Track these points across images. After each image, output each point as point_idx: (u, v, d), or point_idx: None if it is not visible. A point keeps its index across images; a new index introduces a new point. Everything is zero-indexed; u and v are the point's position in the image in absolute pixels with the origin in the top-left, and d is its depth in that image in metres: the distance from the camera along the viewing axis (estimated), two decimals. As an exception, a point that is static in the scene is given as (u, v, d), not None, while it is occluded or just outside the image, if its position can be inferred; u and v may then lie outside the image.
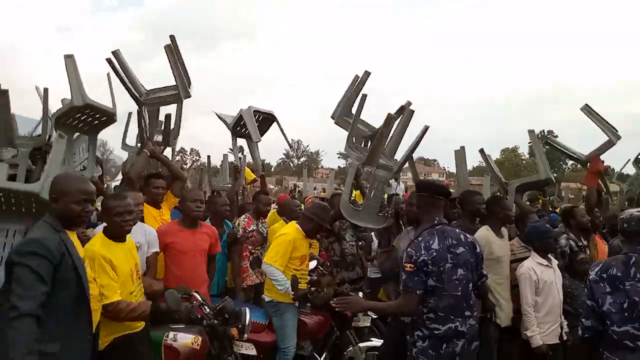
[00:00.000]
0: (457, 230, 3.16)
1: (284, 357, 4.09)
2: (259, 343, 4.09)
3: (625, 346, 2.57)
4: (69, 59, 3.86)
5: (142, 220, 3.96)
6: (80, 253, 2.52)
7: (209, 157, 8.10)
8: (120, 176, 6.00)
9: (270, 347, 4.15)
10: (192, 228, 4.08)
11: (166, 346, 3.27)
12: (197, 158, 59.10)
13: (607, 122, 5.51)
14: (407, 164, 5.76)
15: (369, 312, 4.48)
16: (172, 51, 4.52)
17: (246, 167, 7.39)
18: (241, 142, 6.48)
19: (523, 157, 60.28)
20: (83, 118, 4.13)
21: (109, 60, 4.48)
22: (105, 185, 6.21)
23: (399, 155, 5.02)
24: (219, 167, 7.47)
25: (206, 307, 3.50)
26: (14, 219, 3.27)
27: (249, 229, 5.05)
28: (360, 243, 5.81)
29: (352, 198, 5.17)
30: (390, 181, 10.83)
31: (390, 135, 4.50)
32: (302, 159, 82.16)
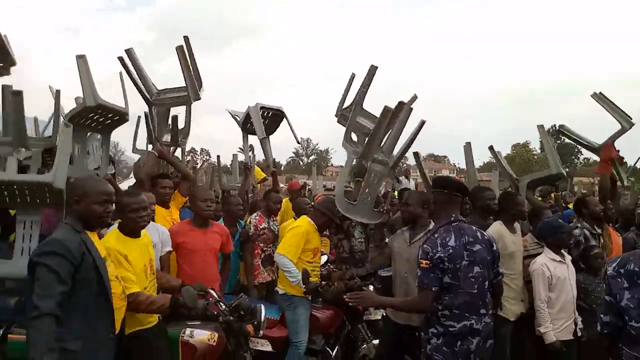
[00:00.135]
0: (474, 227, 3.15)
1: (296, 351, 4.13)
2: (273, 339, 4.13)
3: None
4: (81, 59, 3.90)
5: (153, 220, 4.02)
6: (102, 253, 2.57)
7: (218, 156, 8.16)
8: (132, 176, 6.08)
9: (283, 342, 4.18)
10: (203, 227, 4.12)
11: (183, 342, 3.32)
12: (208, 158, 59.36)
13: (619, 108, 5.45)
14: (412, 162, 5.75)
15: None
16: (184, 52, 4.54)
17: (256, 166, 7.44)
18: (252, 140, 6.51)
19: (534, 153, 59.70)
20: (96, 117, 4.20)
21: (120, 59, 4.51)
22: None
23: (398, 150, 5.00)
24: (229, 166, 7.51)
25: (222, 304, 3.55)
26: (29, 210, 3.33)
27: (260, 227, 5.10)
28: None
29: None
30: (401, 177, 10.87)
31: (389, 132, 4.49)
32: (312, 157, 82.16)
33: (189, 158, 19.11)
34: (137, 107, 5.17)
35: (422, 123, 4.47)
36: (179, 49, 4.53)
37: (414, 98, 4.67)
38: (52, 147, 4.44)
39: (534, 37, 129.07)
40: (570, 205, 6.95)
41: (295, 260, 4.17)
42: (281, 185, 9.05)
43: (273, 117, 6.01)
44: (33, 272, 2.32)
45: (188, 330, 3.35)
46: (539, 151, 55.59)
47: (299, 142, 6.50)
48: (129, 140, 6.60)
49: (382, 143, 4.50)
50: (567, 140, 7.15)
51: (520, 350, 4.15)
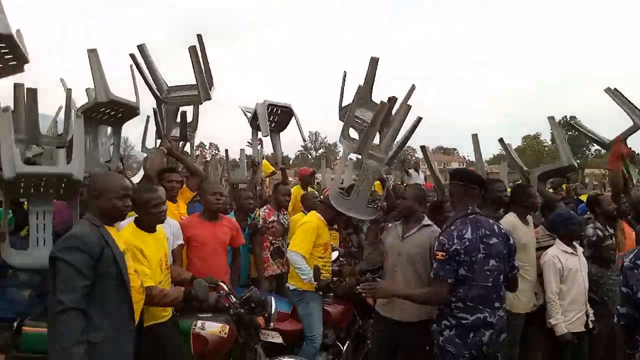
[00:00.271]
0: (491, 220, 3.13)
1: (312, 345, 4.14)
2: (283, 332, 4.15)
3: None
4: (92, 54, 3.92)
5: None
6: (120, 247, 2.61)
7: (226, 150, 8.18)
8: (141, 172, 6.12)
9: (295, 336, 4.20)
10: (213, 221, 4.14)
11: (194, 334, 3.36)
12: (216, 152, 59.56)
13: (632, 104, 5.38)
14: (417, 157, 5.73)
15: None
16: (196, 52, 4.51)
17: (264, 160, 7.44)
18: (261, 135, 6.50)
19: (545, 144, 59.24)
20: (107, 112, 4.23)
21: (132, 56, 4.52)
22: None
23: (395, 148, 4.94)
24: (237, 160, 7.53)
25: (233, 297, 3.57)
26: (42, 201, 3.37)
27: (269, 220, 5.11)
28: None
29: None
30: (410, 171, 10.85)
31: (388, 130, 4.45)
32: (320, 151, 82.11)
33: (197, 152, 19.18)
34: (147, 102, 5.19)
35: (419, 120, 4.45)
36: (192, 49, 4.50)
37: (412, 89, 4.63)
38: (64, 146, 4.49)
39: (535, 36, 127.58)
40: (583, 197, 6.90)
41: (307, 256, 4.18)
42: (290, 179, 9.06)
43: (283, 114, 6.00)
44: (54, 267, 2.38)
45: (199, 323, 3.39)
46: (549, 143, 55.18)
47: (305, 140, 6.49)
48: (138, 136, 6.63)
49: (381, 140, 4.46)
50: (577, 132, 7.07)
51: (531, 342, 4.13)
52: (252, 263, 5.14)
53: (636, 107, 5.36)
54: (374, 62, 4.67)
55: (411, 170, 10.95)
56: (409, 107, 4.32)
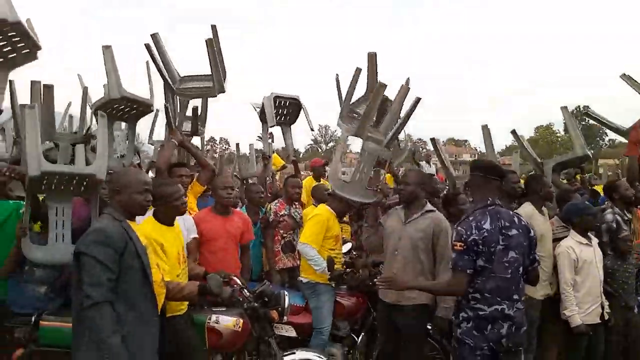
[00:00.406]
0: (511, 212, 3.11)
1: (320, 337, 4.16)
2: (297, 325, 4.17)
3: None
4: (107, 50, 3.93)
5: None
6: (143, 241, 2.64)
7: (237, 144, 8.18)
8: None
9: (308, 329, 4.21)
10: (224, 215, 4.15)
11: (209, 328, 3.39)
12: (227, 147, 59.70)
13: None
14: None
15: None
16: (212, 44, 4.50)
17: (274, 154, 7.43)
18: (272, 129, 6.50)
19: (558, 135, 58.52)
20: (121, 108, 4.25)
21: (147, 46, 4.51)
22: None
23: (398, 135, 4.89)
24: (248, 154, 7.52)
25: (246, 291, 3.59)
26: (63, 197, 3.40)
27: (280, 213, 5.12)
28: None
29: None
30: (421, 163, 10.78)
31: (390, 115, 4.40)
32: (330, 144, 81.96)
33: (208, 147, 19.23)
34: (158, 94, 5.17)
35: (417, 100, 4.36)
36: (209, 41, 4.48)
37: (407, 81, 4.58)
38: (78, 142, 4.52)
39: (535, 37, 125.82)
40: (598, 188, 6.81)
41: (318, 248, 4.19)
42: (302, 173, 9.03)
43: (292, 107, 5.98)
44: (78, 262, 2.41)
45: (214, 317, 3.42)
46: (562, 133, 54.52)
47: (313, 130, 6.43)
48: (147, 130, 6.65)
49: (381, 124, 4.40)
50: (591, 122, 6.97)
51: (546, 334, 4.11)
52: (264, 256, 5.17)
53: None
54: (371, 58, 4.62)
55: (422, 163, 10.90)
56: (408, 89, 4.26)
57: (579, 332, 3.87)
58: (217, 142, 65.65)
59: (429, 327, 3.84)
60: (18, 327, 3.31)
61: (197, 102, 5.06)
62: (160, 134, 5.58)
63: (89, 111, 4.65)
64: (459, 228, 2.99)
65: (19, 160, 3.95)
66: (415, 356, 3.65)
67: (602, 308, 3.97)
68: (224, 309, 3.49)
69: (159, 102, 4.66)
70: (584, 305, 3.92)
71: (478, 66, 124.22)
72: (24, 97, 4.11)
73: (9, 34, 3.37)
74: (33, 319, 3.30)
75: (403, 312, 3.63)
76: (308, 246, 4.19)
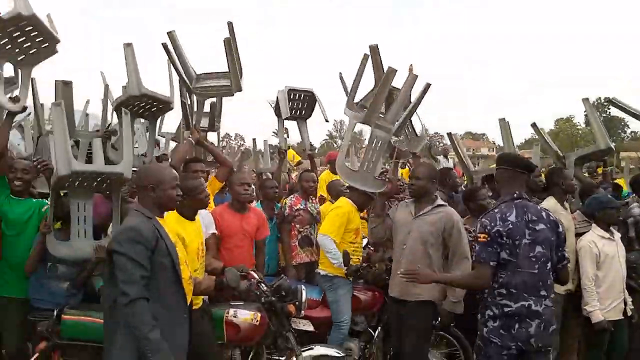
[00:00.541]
0: (540, 207, 3.07)
1: (339, 331, 4.16)
2: (314, 319, 4.18)
3: None
4: (128, 47, 3.97)
5: None
6: (172, 238, 2.67)
7: (254, 140, 8.19)
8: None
9: (325, 323, 4.22)
10: (241, 212, 4.17)
11: (227, 322, 3.43)
12: (242, 143, 59.90)
13: None
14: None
15: None
16: (230, 43, 4.50)
17: (290, 150, 7.43)
18: (287, 124, 6.50)
19: (579, 127, 57.48)
20: (142, 105, 4.31)
21: (164, 45, 4.55)
22: None
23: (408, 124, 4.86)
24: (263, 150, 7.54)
25: (263, 285, 3.61)
26: (85, 193, 3.46)
27: (296, 208, 5.13)
28: None
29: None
30: (439, 157, 10.67)
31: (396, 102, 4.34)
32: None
33: (224, 143, 19.30)
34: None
35: (427, 86, 4.29)
36: (226, 40, 4.48)
37: (411, 67, 4.56)
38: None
39: (535, 37, 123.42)
40: (621, 182, 6.67)
41: (338, 241, 4.19)
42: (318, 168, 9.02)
43: (306, 100, 5.97)
44: (111, 260, 2.45)
45: (232, 311, 3.45)
46: (583, 125, 53.54)
47: (327, 121, 6.38)
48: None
49: (387, 113, 4.34)
50: (612, 114, 6.84)
51: (568, 330, 4.06)
52: (281, 251, 5.18)
53: None
54: (374, 50, 4.57)
55: (440, 157, 10.79)
56: (416, 76, 4.19)
57: (601, 328, 3.80)
58: (232, 138, 65.91)
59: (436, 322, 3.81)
60: (41, 321, 3.37)
61: (213, 98, 5.08)
62: (169, 125, 5.59)
63: (109, 108, 4.70)
64: (483, 220, 2.95)
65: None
66: (414, 347, 3.61)
67: (625, 304, 3.90)
68: (241, 303, 3.52)
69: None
70: (606, 301, 3.85)
71: (478, 66, 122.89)
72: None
73: (26, 29, 3.41)
74: (55, 313, 3.36)
75: (407, 307, 3.63)
76: (328, 238, 4.19)
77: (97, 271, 3.57)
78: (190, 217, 3.22)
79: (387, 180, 4.14)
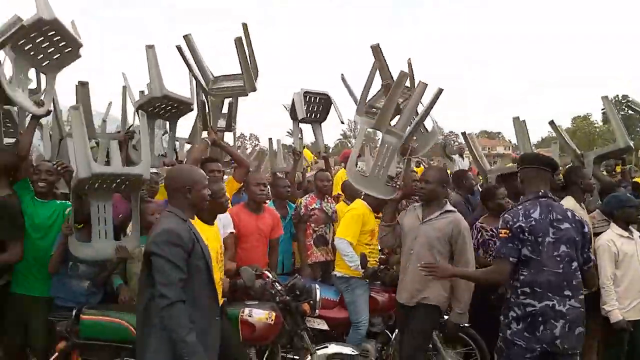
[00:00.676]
0: (565, 207, 3.04)
1: (357, 331, 4.17)
2: (330, 319, 4.19)
3: None
4: (150, 49, 4.02)
5: None
6: (206, 241, 2.70)
7: (270, 139, 8.21)
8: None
9: (341, 323, 4.24)
10: (257, 212, 4.21)
11: (242, 321, 3.46)
12: (257, 143, 60.08)
13: None
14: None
15: None
16: (242, 43, 4.54)
17: (305, 150, 7.44)
18: (302, 125, 6.51)
19: (596, 125, 56.57)
20: (163, 106, 4.37)
21: (178, 48, 4.59)
22: None
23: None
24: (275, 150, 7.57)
25: (278, 284, 3.63)
26: (104, 194, 3.51)
27: (311, 207, 5.14)
28: None
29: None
30: (454, 157, 10.59)
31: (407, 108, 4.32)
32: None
33: (239, 143, 19.38)
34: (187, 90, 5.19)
35: (440, 91, 4.26)
36: (237, 40, 4.51)
37: (409, 61, 4.53)
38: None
39: (535, 37, 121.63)
40: (638, 180, 6.55)
41: (354, 243, 4.19)
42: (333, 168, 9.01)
43: (321, 103, 5.98)
44: (149, 262, 2.47)
45: (247, 310, 3.48)
46: (601, 123, 52.70)
47: (342, 122, 6.39)
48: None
49: (397, 121, 4.33)
50: (630, 111, 6.73)
51: (586, 330, 3.99)
52: (296, 251, 5.20)
53: None
54: (376, 50, 4.56)
55: (455, 156, 10.71)
56: (425, 85, 4.14)
57: (619, 327, 3.74)
58: (247, 138, 66.14)
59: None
60: (60, 321, 3.42)
61: (230, 98, 5.12)
62: (180, 131, 5.59)
63: (129, 109, 4.76)
64: (505, 215, 2.93)
65: None
66: (411, 347, 3.59)
67: (645, 303, 3.84)
68: (256, 303, 3.55)
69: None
70: (625, 301, 3.79)
71: (478, 66, 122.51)
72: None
73: (49, 34, 3.46)
74: (74, 313, 3.40)
75: (412, 311, 3.62)
76: (344, 242, 4.19)
77: (117, 270, 3.64)
78: (209, 221, 3.19)
79: (397, 186, 4.12)
